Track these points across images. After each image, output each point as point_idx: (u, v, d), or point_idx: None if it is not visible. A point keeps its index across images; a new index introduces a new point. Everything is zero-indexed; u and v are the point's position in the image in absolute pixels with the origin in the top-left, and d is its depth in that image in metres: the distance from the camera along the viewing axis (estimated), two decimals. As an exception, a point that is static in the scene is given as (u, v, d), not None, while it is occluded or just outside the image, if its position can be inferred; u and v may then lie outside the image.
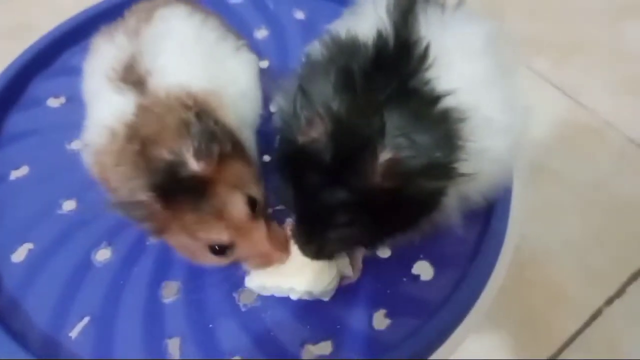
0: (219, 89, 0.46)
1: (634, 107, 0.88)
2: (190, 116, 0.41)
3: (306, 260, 0.43)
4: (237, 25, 0.69)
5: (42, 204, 0.53)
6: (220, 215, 0.40)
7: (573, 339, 0.67)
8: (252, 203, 0.42)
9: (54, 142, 0.58)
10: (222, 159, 0.40)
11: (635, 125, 0.85)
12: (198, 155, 0.39)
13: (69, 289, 0.48)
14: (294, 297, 0.46)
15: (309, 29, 0.68)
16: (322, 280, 0.44)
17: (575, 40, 1.00)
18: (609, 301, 0.70)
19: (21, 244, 0.51)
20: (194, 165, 0.39)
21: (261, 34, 0.70)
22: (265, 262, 0.43)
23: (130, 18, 0.50)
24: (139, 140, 0.41)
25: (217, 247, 0.41)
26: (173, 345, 0.45)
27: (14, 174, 0.57)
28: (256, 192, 0.43)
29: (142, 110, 0.42)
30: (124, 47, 0.46)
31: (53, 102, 0.63)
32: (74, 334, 0.46)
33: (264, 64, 0.67)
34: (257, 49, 0.68)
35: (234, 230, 0.41)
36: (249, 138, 0.48)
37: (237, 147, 0.43)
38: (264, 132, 0.53)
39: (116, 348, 0.45)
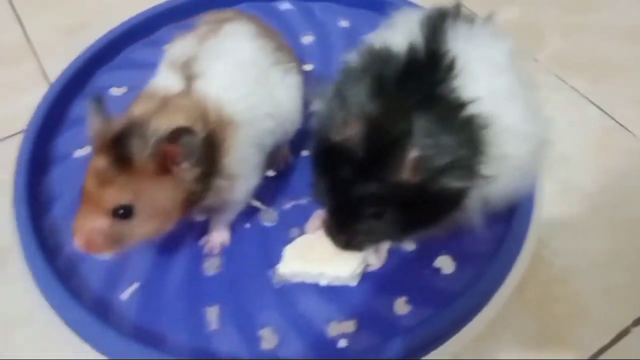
0: (245, 122, 0.48)
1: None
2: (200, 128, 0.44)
3: (335, 249, 0.46)
4: (285, 31, 0.74)
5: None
6: (101, 185, 0.42)
7: (597, 355, 0.68)
8: (126, 211, 0.42)
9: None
10: (166, 173, 0.43)
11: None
12: (152, 146, 0.41)
13: (121, 257, 0.51)
14: (323, 282, 0.50)
15: (352, 36, 0.73)
16: (349, 266, 0.48)
17: (615, 59, 1.01)
18: (638, 321, 0.70)
19: (81, 214, 0.57)
20: (141, 146, 0.41)
21: (307, 39, 0.75)
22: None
23: (203, 26, 0.55)
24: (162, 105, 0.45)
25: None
26: (211, 314, 0.49)
27: (78, 153, 0.63)
28: (148, 218, 0.43)
29: (181, 93, 0.47)
30: (189, 46, 0.51)
31: (115, 91, 0.69)
32: (124, 296, 0.51)
33: (309, 67, 0.71)
34: (302, 53, 0.73)
35: (89, 194, 0.43)
36: (250, 169, 0.51)
37: (197, 184, 0.44)
38: (303, 129, 0.58)
39: (160, 312, 0.50)
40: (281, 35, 0.61)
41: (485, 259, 0.51)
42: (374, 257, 0.50)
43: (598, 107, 0.93)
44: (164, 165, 0.43)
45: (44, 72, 0.87)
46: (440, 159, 0.40)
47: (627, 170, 0.84)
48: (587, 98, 0.95)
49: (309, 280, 0.50)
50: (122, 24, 0.75)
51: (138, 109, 0.46)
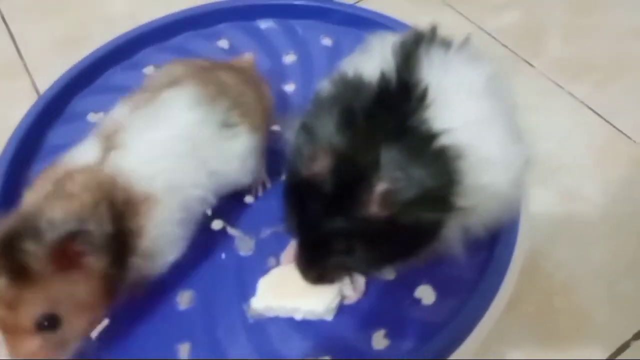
0: (165, 198, 0.46)
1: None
2: (104, 210, 0.41)
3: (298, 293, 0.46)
4: (266, 50, 0.74)
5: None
6: (10, 303, 0.38)
7: None
8: (50, 322, 0.39)
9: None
10: (72, 266, 0.40)
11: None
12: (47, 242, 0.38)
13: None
14: (298, 317, 0.48)
15: (335, 55, 0.71)
16: (323, 300, 0.47)
17: (615, 64, 1.00)
18: (638, 335, 0.68)
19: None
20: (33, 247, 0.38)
21: (289, 58, 0.73)
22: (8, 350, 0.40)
23: (145, 89, 0.52)
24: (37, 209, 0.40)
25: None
26: (183, 350, 0.48)
27: (53, 182, 0.61)
28: (71, 319, 0.40)
29: (93, 167, 0.44)
30: (121, 116, 0.49)
31: (93, 117, 0.68)
32: (93, 335, 0.49)
33: (291, 87, 0.70)
34: (284, 73, 0.72)
35: (9, 325, 0.39)
36: (175, 243, 0.48)
37: (111, 269, 0.42)
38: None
39: (131, 349, 0.48)
40: (249, 74, 0.59)
41: (467, 288, 0.49)
42: (350, 289, 0.48)
43: (597, 113, 0.92)
44: (68, 262, 0.39)
45: (36, 88, 0.87)
46: (410, 192, 0.38)
47: (628, 178, 0.83)
48: (586, 104, 0.93)
49: (283, 314, 0.48)
50: (102, 47, 0.74)
51: (33, 195, 0.43)
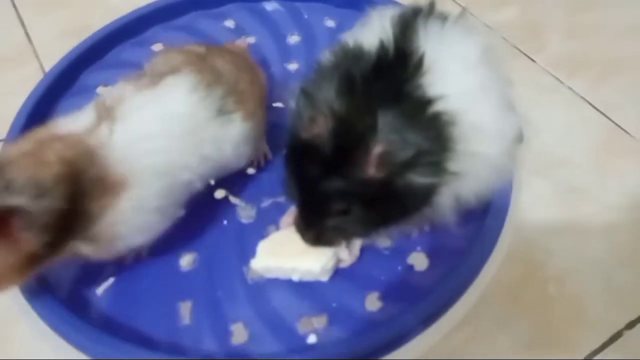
0: (150, 176, 0.46)
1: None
2: (61, 169, 0.40)
3: (306, 245, 0.47)
4: (271, 31, 0.76)
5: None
6: None
7: (589, 357, 0.68)
8: None
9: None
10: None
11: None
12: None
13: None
14: (295, 277, 0.50)
15: (337, 36, 0.72)
16: (320, 261, 0.49)
17: (615, 59, 1.00)
18: (630, 325, 0.70)
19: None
20: None
21: (293, 39, 0.75)
22: None
23: (148, 72, 0.53)
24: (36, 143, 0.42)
25: None
26: (185, 308, 0.50)
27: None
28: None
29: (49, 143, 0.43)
30: (124, 91, 0.49)
31: (102, 90, 0.69)
32: (100, 291, 0.51)
33: (294, 66, 0.72)
34: (288, 53, 0.73)
35: None
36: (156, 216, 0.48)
37: (51, 248, 0.41)
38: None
39: (135, 306, 0.50)
40: (243, 62, 0.60)
41: (458, 256, 0.51)
42: (346, 253, 0.50)
43: (596, 108, 0.93)
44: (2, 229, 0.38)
45: (45, 73, 0.89)
46: (405, 154, 0.40)
47: (626, 172, 0.84)
48: (585, 99, 0.95)
49: (282, 275, 0.50)
50: (111, 23, 0.76)
51: (12, 148, 0.42)
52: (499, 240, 0.52)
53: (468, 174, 0.44)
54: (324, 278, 0.50)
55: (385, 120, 0.40)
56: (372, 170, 0.40)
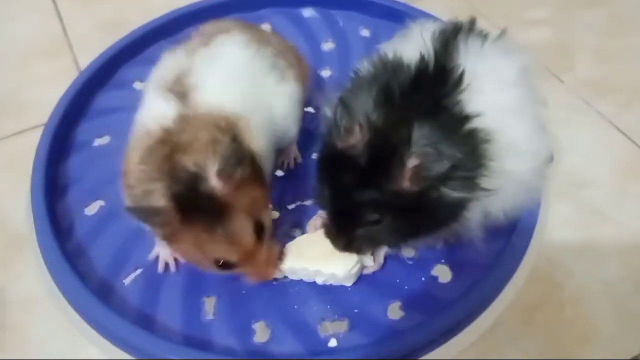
0: (250, 115, 0.49)
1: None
2: (222, 136, 0.44)
3: (333, 249, 0.47)
4: (306, 37, 0.76)
5: (116, 168, 0.60)
6: (231, 239, 0.44)
7: None
8: (260, 228, 0.46)
9: (134, 118, 0.65)
10: (241, 183, 0.44)
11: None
12: (221, 175, 0.42)
13: (128, 243, 0.55)
14: (319, 280, 0.51)
15: (371, 45, 0.73)
16: (345, 266, 0.49)
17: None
18: None
19: (94, 200, 0.59)
20: (215, 183, 0.42)
21: (328, 46, 0.76)
22: (260, 278, 0.48)
23: (195, 38, 0.56)
24: (169, 145, 0.45)
25: (222, 262, 0.45)
26: (209, 303, 0.51)
27: (97, 142, 0.65)
28: (266, 218, 0.47)
29: (181, 119, 0.46)
30: (180, 61, 0.52)
31: (138, 85, 0.71)
32: (127, 281, 0.53)
33: (327, 73, 0.73)
34: (322, 59, 0.74)
35: (241, 254, 0.45)
36: (268, 161, 0.52)
37: (256, 173, 0.46)
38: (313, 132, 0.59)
39: (160, 298, 0.51)
40: (288, 43, 0.62)
41: (482, 271, 0.51)
42: (371, 260, 0.51)
43: (623, 132, 0.92)
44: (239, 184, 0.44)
45: (79, 66, 0.91)
46: (439, 168, 0.40)
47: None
48: (612, 123, 0.94)
49: (306, 277, 0.51)
50: (150, 22, 0.78)
51: (133, 162, 0.46)
52: (524, 259, 0.52)
53: (499, 191, 0.44)
54: (348, 283, 0.50)
55: (421, 134, 0.40)
56: (406, 183, 0.41)
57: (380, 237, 0.46)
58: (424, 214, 0.43)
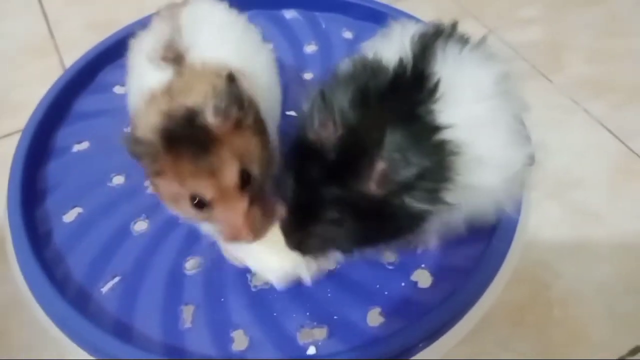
0: (249, 72, 0.49)
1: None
2: (220, 80, 0.44)
3: (277, 245, 0.46)
4: (289, 39, 0.76)
5: (95, 175, 0.61)
6: (212, 173, 0.43)
7: None
8: (246, 178, 0.44)
9: (114, 124, 0.64)
10: (239, 126, 0.44)
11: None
12: (217, 111, 0.42)
13: (106, 251, 0.54)
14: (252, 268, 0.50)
15: (354, 48, 0.73)
16: (279, 268, 0.48)
17: (633, 87, 1.00)
18: (634, 351, 0.69)
19: (73, 207, 0.58)
20: (210, 118, 0.42)
21: (310, 48, 0.76)
22: (232, 234, 0.46)
23: (163, 10, 0.56)
24: (170, 93, 0.45)
25: (197, 200, 0.44)
26: (187, 312, 0.50)
27: (76, 147, 0.64)
28: (257, 170, 0.45)
29: (179, 73, 0.47)
30: (161, 30, 0.51)
31: (119, 90, 0.70)
32: (104, 289, 0.52)
33: (309, 75, 0.72)
34: (304, 61, 0.74)
35: (217, 192, 0.44)
36: (271, 128, 0.51)
37: (257, 124, 0.46)
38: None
39: (138, 306, 0.51)
40: None
41: (463, 275, 0.50)
42: (307, 272, 0.50)
43: (612, 133, 0.92)
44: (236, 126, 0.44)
45: (65, 67, 0.90)
46: (407, 174, 0.40)
47: (637, 198, 0.84)
48: (601, 123, 0.94)
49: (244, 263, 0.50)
50: (133, 24, 0.77)
51: (147, 114, 0.46)
52: (505, 262, 0.52)
53: (462, 205, 0.44)
54: (277, 284, 0.50)
55: (392, 139, 0.40)
56: (372, 185, 0.40)
57: (336, 239, 0.45)
58: (384, 222, 0.43)
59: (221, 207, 0.45)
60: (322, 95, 0.42)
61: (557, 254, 0.79)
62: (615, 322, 0.72)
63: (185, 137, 0.42)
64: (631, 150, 0.89)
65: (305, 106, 0.45)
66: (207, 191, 0.44)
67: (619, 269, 0.76)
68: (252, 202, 0.45)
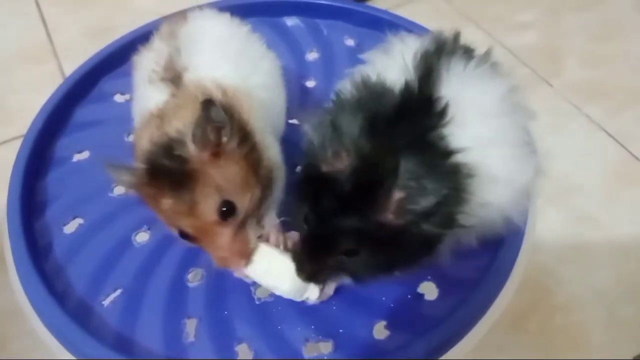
0: (249, 88, 0.49)
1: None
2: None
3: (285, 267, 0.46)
4: (291, 46, 0.75)
5: (96, 185, 0.60)
6: (190, 210, 0.42)
7: None
8: (229, 209, 0.43)
9: (115, 133, 0.64)
10: (218, 155, 0.42)
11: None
12: (194, 140, 0.41)
13: (107, 262, 0.54)
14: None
15: (356, 55, 0.72)
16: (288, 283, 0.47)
17: (633, 92, 1.00)
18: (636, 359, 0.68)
19: (73, 218, 0.58)
20: (190, 147, 0.41)
21: (312, 56, 0.75)
22: (222, 264, 0.45)
23: (163, 27, 0.55)
24: (161, 117, 0.44)
25: (182, 232, 0.44)
26: (190, 325, 0.49)
27: (77, 157, 0.64)
28: (240, 199, 0.44)
29: (173, 95, 0.47)
30: (161, 50, 0.51)
31: (119, 98, 0.70)
32: (106, 302, 0.51)
33: (311, 83, 0.72)
34: (306, 69, 0.73)
35: (196, 229, 0.43)
36: (272, 143, 0.51)
37: (245, 146, 0.44)
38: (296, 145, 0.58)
39: (140, 319, 0.50)
40: None
41: (469, 287, 0.50)
42: (316, 293, 0.48)
43: (612, 137, 0.92)
44: (216, 153, 0.42)
45: (63, 73, 0.90)
46: (424, 204, 0.39)
47: (638, 202, 0.83)
48: (601, 127, 0.94)
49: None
50: (132, 32, 0.76)
51: (146, 133, 0.45)
52: (512, 272, 0.51)
53: (476, 224, 0.43)
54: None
55: (407, 167, 0.39)
56: (390, 216, 0.40)
57: (351, 270, 0.44)
58: (401, 249, 0.42)
59: (204, 241, 0.44)
60: (334, 125, 0.42)
61: (558, 260, 0.78)
62: (616, 329, 0.71)
63: (165, 170, 0.41)
64: (631, 153, 0.89)
65: (313, 134, 0.44)
66: (187, 228, 0.43)
67: (620, 274, 0.76)
68: (242, 226, 0.44)
